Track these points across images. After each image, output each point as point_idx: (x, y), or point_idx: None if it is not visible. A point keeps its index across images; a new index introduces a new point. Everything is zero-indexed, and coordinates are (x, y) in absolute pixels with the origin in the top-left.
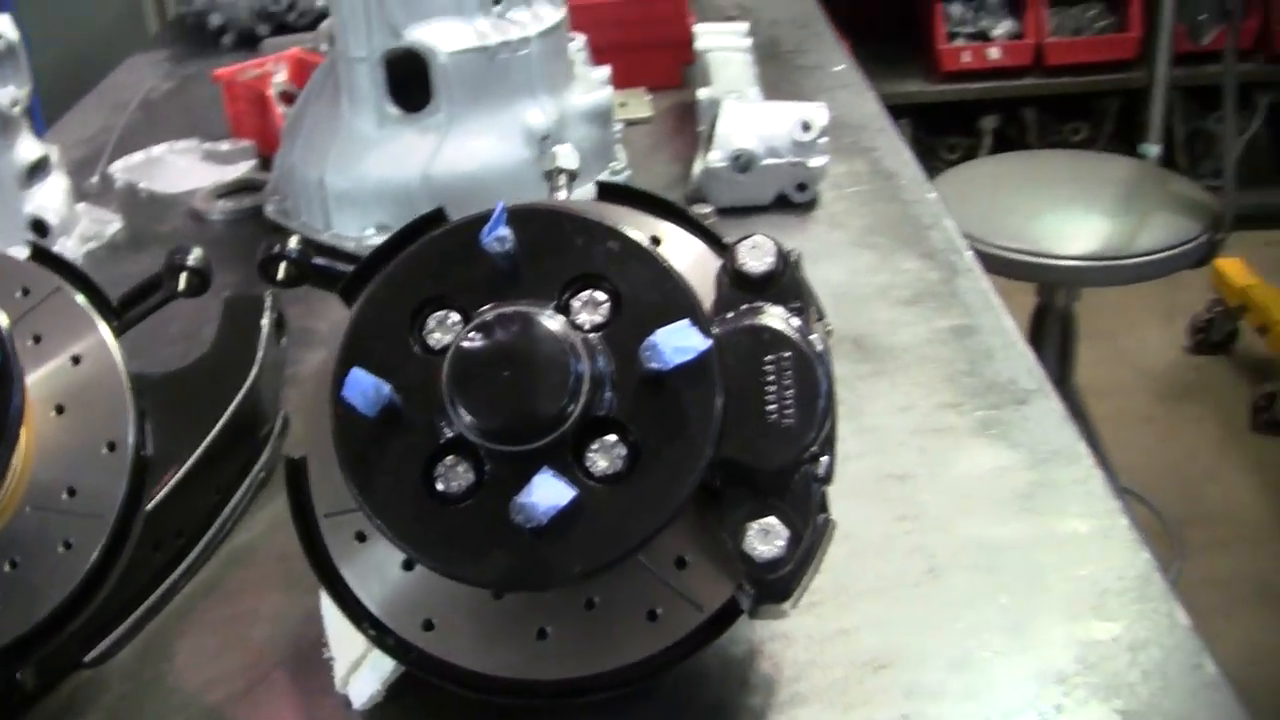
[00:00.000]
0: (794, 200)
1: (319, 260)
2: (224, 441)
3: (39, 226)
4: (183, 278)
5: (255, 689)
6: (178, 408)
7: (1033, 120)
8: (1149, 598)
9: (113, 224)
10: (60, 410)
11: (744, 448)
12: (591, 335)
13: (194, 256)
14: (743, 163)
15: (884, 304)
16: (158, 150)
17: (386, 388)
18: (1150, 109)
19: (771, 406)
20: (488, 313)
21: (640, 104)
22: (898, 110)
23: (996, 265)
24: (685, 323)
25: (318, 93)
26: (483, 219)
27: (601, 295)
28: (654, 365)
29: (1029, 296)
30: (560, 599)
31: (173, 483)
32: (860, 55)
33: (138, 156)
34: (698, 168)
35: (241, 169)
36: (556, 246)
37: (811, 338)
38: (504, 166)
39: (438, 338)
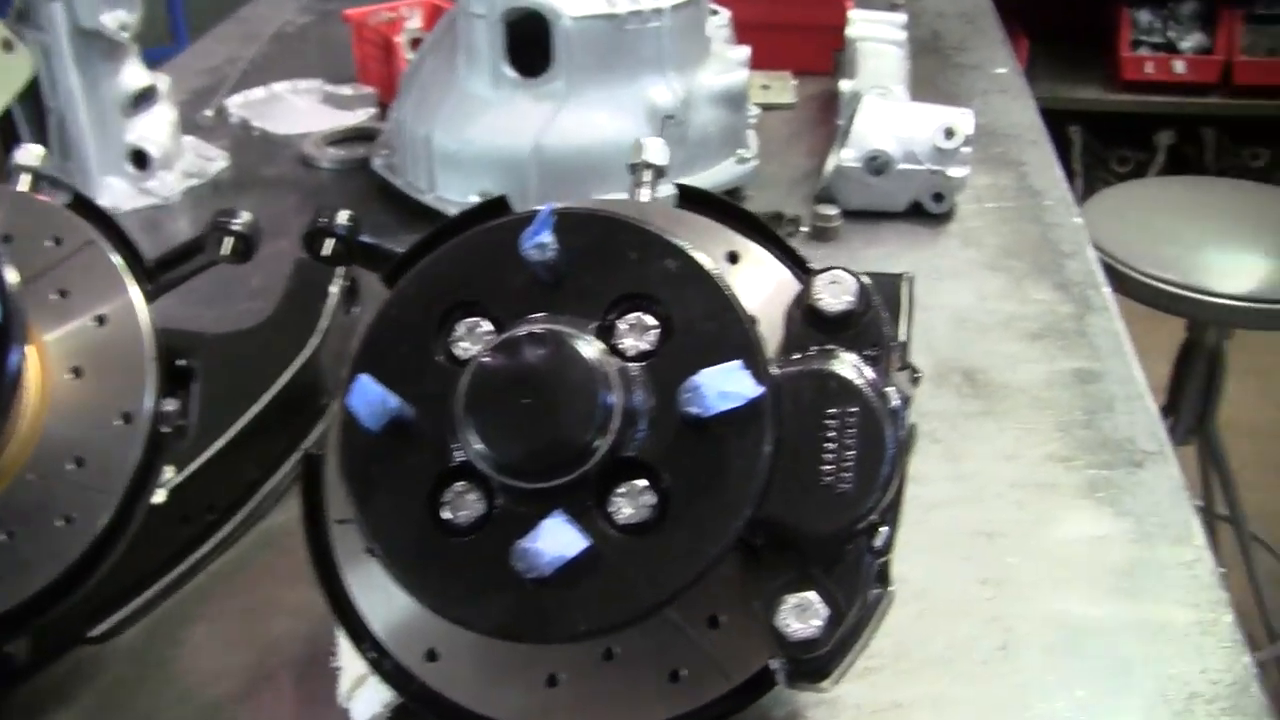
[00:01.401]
0: (928, 210)
1: (366, 238)
2: (273, 413)
3: (139, 158)
4: (227, 242)
5: (259, 689)
6: (229, 372)
7: (1211, 140)
8: (1243, 711)
9: (218, 161)
10: (77, 373)
11: (790, 509)
12: (633, 364)
13: (240, 221)
14: (877, 165)
15: (1007, 336)
16: (279, 88)
17: (394, 401)
18: None
19: (828, 466)
20: (518, 328)
21: (783, 88)
22: (1070, 116)
23: (1144, 294)
24: (737, 364)
25: (436, 46)
26: (530, 220)
27: (651, 319)
28: (693, 409)
29: (1176, 328)
30: (576, 646)
31: (210, 453)
32: (1037, 55)
33: (258, 92)
34: (829, 165)
35: (360, 116)
36: (607, 259)
37: (887, 391)
38: (621, 144)
39: (465, 347)
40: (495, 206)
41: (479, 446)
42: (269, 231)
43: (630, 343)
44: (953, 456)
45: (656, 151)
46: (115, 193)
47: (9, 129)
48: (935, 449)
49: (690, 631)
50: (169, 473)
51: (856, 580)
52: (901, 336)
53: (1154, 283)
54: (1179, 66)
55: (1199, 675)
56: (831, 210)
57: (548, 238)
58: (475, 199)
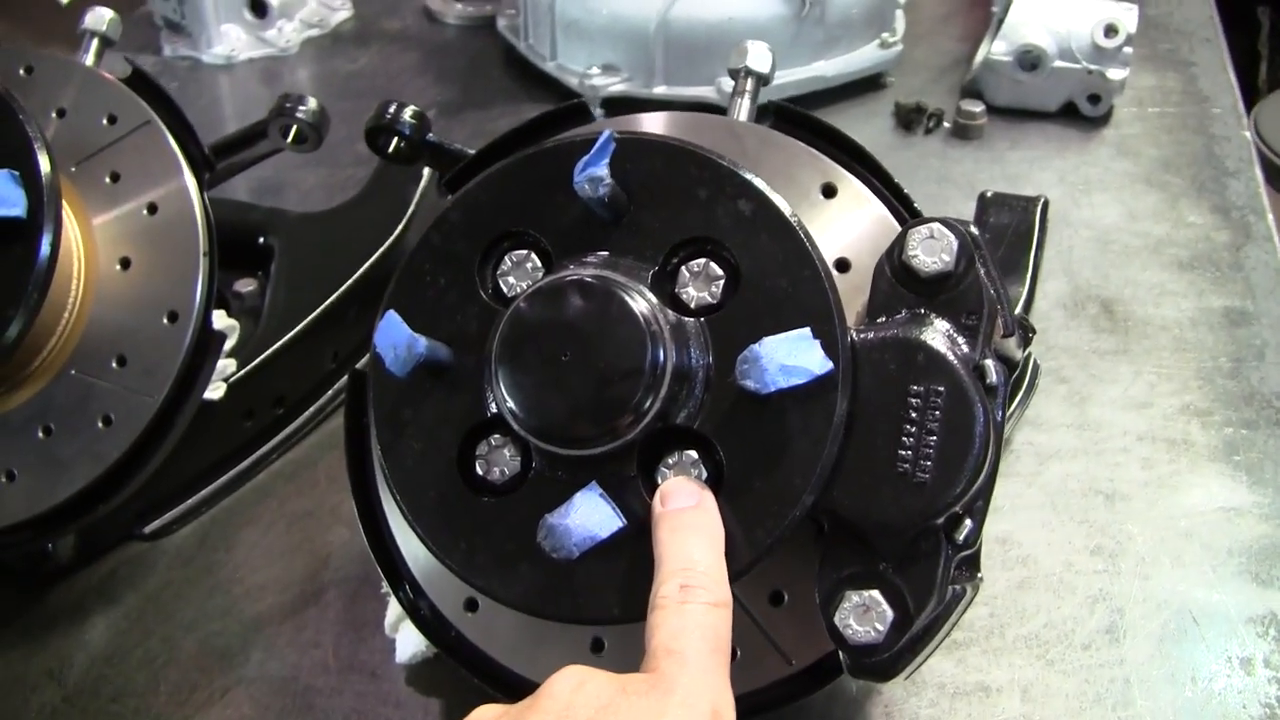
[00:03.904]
0: (1082, 112)
1: (433, 138)
2: (352, 301)
3: (258, 5)
4: (291, 130)
5: (305, 607)
6: (310, 254)
7: None
8: None
9: (341, 12)
10: (125, 264)
11: (858, 497)
12: (691, 320)
13: (305, 108)
14: (1030, 60)
15: (1155, 263)
16: None
17: (422, 344)
18: None
19: (906, 451)
20: (564, 270)
21: None
22: None
23: None
24: (805, 333)
25: None
26: (590, 144)
27: (717, 269)
28: (749, 383)
29: None
30: None
31: (281, 343)
32: None
33: None
34: (980, 57)
35: None
36: (673, 195)
37: (984, 365)
38: (753, 21)
39: (511, 282)
40: (575, 111)
41: (511, 404)
42: (385, 92)
43: (694, 293)
44: (1078, 400)
45: (760, 56)
46: (232, 41)
47: None
48: (1059, 390)
49: (749, 607)
50: (230, 366)
51: (931, 580)
52: (1029, 271)
53: None
54: None
55: None
56: (977, 107)
57: (602, 171)
58: (597, 71)
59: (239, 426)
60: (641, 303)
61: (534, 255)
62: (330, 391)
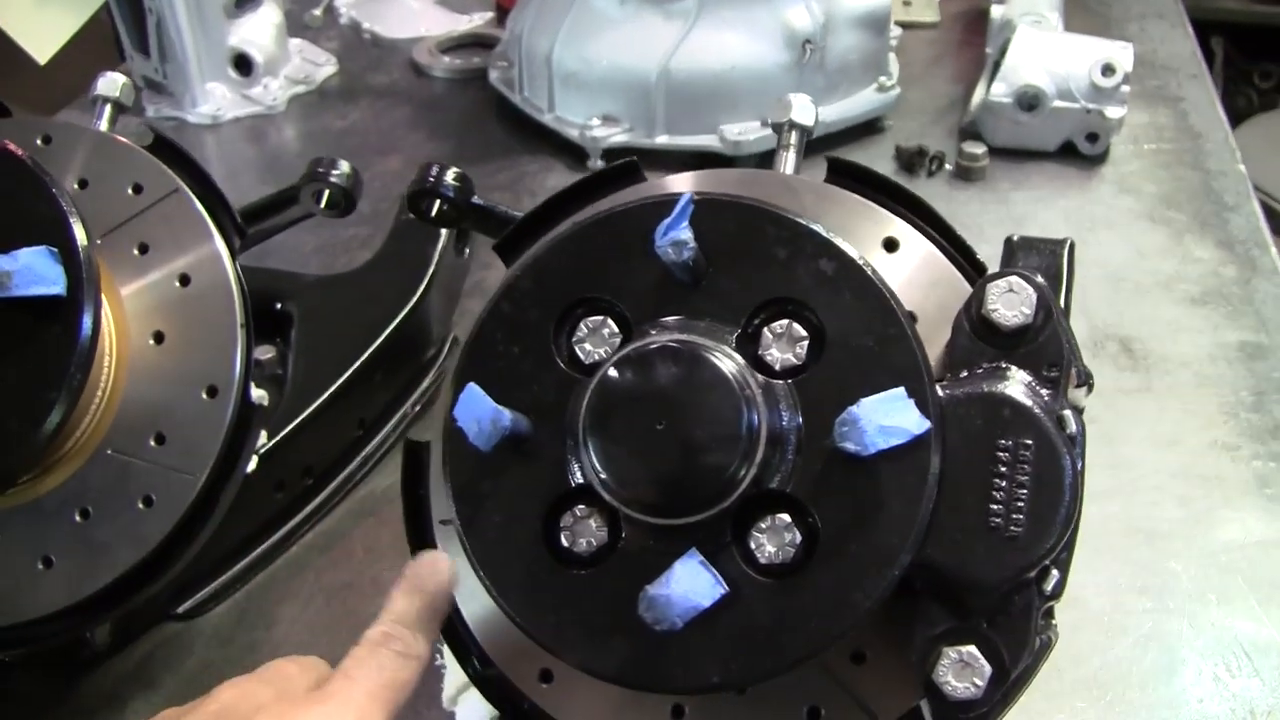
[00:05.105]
0: (1081, 151)
1: (479, 200)
2: (376, 365)
3: (242, 62)
4: (324, 195)
5: None
6: (329, 319)
7: None
8: None
9: (326, 67)
10: (159, 339)
11: (952, 553)
12: (779, 381)
13: (339, 172)
14: (1029, 100)
15: (1167, 299)
16: None
17: (506, 417)
18: None
19: (997, 506)
20: (650, 336)
21: (926, 5)
22: (1213, 27)
23: None
24: (900, 393)
25: None
26: (665, 206)
27: (801, 330)
28: (850, 445)
29: None
30: None
31: (309, 411)
32: None
33: None
34: (977, 98)
35: (475, 21)
36: (752, 256)
37: (1064, 415)
38: (755, 69)
39: (588, 349)
40: (626, 171)
41: (604, 476)
42: (377, 148)
43: (778, 354)
44: (1110, 439)
45: (804, 109)
46: (217, 100)
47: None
48: (1091, 430)
49: (833, 668)
50: (261, 438)
51: (1025, 633)
52: (1064, 312)
53: None
54: None
55: None
56: (978, 149)
57: (686, 234)
58: (597, 122)
59: (270, 499)
60: (732, 365)
61: (610, 321)
62: (358, 459)
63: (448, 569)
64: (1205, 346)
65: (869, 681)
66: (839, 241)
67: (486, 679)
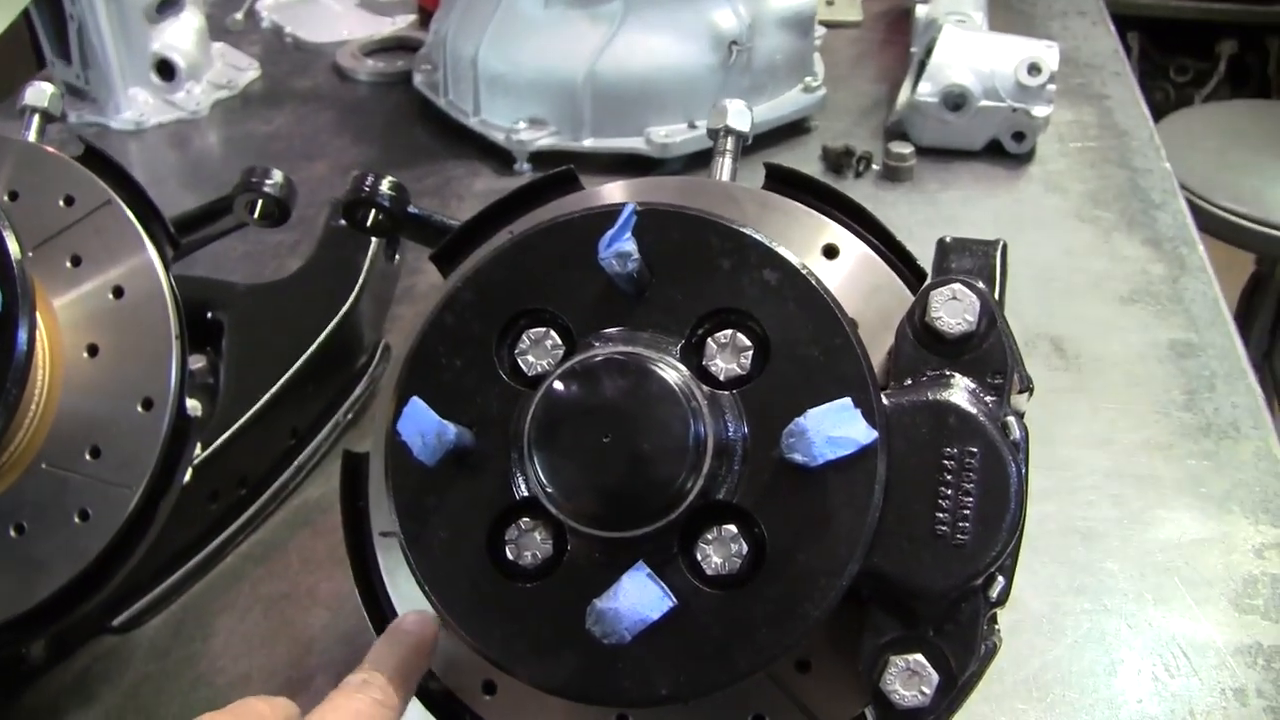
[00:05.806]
0: (1008, 149)
1: (415, 209)
2: (308, 374)
3: (165, 68)
4: (258, 205)
5: (294, 695)
6: (261, 328)
7: (1276, 50)
8: None
9: (249, 72)
10: (93, 352)
11: (899, 562)
12: (724, 391)
13: (272, 182)
14: (955, 100)
15: (1096, 298)
16: None
17: (451, 431)
18: None
19: (943, 514)
20: (594, 348)
21: (849, 5)
22: (1130, 22)
23: (1216, 227)
24: (847, 403)
25: None
26: (608, 217)
27: (745, 340)
28: (797, 457)
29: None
30: None
31: (243, 421)
32: None
33: None
34: (903, 98)
35: (398, 24)
36: (696, 267)
37: (1009, 422)
38: (682, 71)
39: (530, 361)
40: (562, 179)
41: (549, 489)
42: (302, 154)
43: (722, 365)
44: (1045, 440)
45: (740, 115)
46: (140, 106)
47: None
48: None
49: (778, 675)
50: (195, 449)
51: (973, 640)
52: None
53: (1227, 215)
54: None
55: None
56: (906, 149)
57: (630, 246)
58: (523, 125)
59: (204, 509)
60: (677, 377)
61: (553, 332)
62: (292, 468)
63: (433, 628)
64: (1136, 345)
65: (814, 689)
66: (782, 251)
67: (430, 693)
